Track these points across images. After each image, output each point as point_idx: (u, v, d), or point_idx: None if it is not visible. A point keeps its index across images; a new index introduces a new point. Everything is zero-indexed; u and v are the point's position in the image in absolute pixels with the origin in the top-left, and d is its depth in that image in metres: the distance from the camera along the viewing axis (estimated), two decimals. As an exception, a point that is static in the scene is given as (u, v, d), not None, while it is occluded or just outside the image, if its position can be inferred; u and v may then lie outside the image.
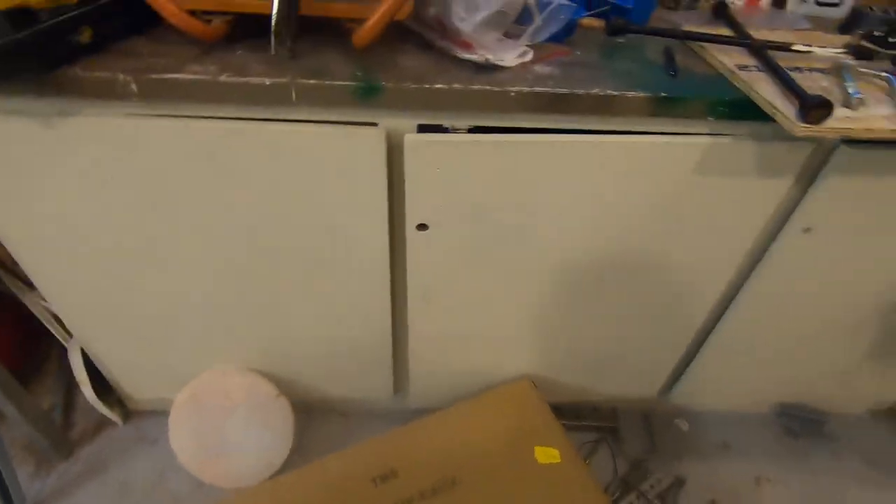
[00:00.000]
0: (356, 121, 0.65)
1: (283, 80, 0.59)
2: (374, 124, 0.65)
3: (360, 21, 0.63)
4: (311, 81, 0.59)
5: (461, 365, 1.04)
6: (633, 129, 0.68)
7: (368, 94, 0.61)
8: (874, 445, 1.17)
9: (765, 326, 0.95)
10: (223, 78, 0.59)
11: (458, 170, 0.70)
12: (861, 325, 0.95)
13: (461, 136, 0.67)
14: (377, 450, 0.93)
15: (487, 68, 0.65)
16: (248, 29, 0.67)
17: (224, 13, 0.64)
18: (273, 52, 0.60)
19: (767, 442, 1.16)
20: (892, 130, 0.58)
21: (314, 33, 0.68)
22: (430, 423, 0.98)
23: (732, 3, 0.91)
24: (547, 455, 0.94)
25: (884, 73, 0.66)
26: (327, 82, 0.60)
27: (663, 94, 0.63)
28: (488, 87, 0.61)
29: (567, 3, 0.67)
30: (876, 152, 0.68)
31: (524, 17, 0.67)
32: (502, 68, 0.65)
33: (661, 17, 0.87)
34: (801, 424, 1.16)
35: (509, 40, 0.66)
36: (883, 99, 0.63)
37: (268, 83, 0.59)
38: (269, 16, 0.59)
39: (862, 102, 0.61)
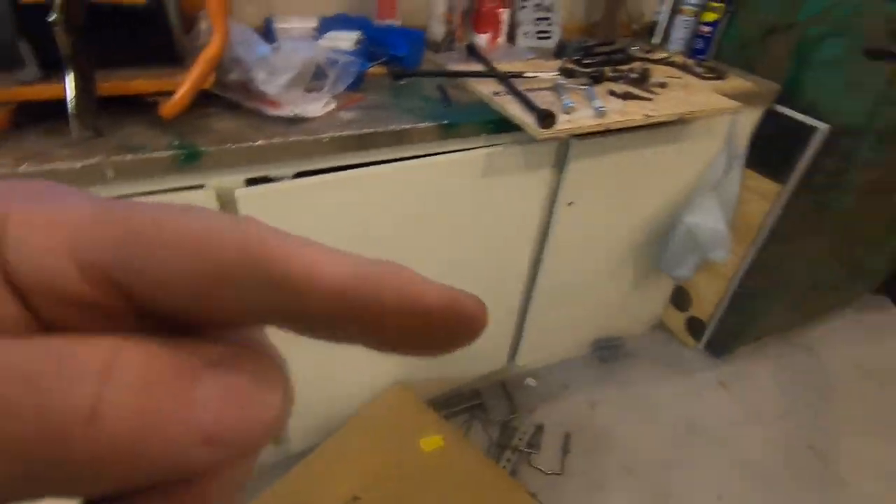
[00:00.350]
0: (181, 186, 0.68)
1: (95, 159, 0.60)
2: (201, 186, 0.69)
3: (162, 94, 0.66)
4: (128, 157, 0.61)
5: (333, 392, 1.09)
6: (428, 153, 0.84)
7: (190, 160, 0.65)
8: (658, 351, 1.56)
9: (563, 283, 1.22)
10: (24, 168, 0.56)
11: (292, 213, 0.77)
12: (620, 266, 1.29)
13: (287, 183, 0.75)
14: (273, 501, 0.93)
15: (297, 121, 0.74)
16: (34, 114, 0.64)
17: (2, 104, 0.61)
18: (75, 134, 0.60)
19: (591, 373, 1.46)
20: (593, 126, 0.84)
21: (113, 109, 0.68)
22: (319, 456, 1.01)
23: (479, 43, 1.15)
24: (431, 444, 1.05)
25: (582, 87, 0.94)
26: (145, 155, 0.62)
27: (445, 122, 0.80)
28: (304, 137, 0.70)
29: (352, 58, 0.80)
30: (593, 141, 0.95)
31: (319, 74, 0.78)
32: (311, 119, 0.75)
33: (430, 59, 1.06)
34: (608, 352, 1.49)
35: (312, 94, 0.77)
36: (586, 104, 0.90)
37: (79, 166, 0.59)
38: (61, 100, 0.59)
39: (574, 109, 0.86)
